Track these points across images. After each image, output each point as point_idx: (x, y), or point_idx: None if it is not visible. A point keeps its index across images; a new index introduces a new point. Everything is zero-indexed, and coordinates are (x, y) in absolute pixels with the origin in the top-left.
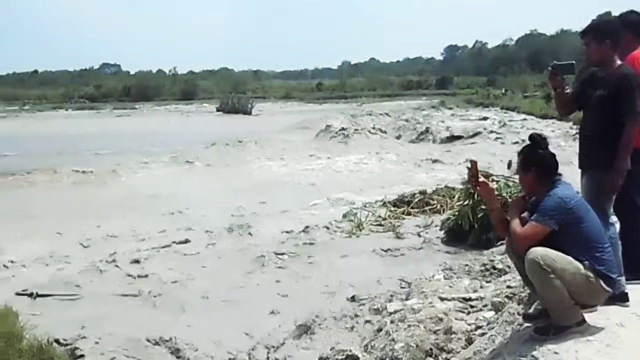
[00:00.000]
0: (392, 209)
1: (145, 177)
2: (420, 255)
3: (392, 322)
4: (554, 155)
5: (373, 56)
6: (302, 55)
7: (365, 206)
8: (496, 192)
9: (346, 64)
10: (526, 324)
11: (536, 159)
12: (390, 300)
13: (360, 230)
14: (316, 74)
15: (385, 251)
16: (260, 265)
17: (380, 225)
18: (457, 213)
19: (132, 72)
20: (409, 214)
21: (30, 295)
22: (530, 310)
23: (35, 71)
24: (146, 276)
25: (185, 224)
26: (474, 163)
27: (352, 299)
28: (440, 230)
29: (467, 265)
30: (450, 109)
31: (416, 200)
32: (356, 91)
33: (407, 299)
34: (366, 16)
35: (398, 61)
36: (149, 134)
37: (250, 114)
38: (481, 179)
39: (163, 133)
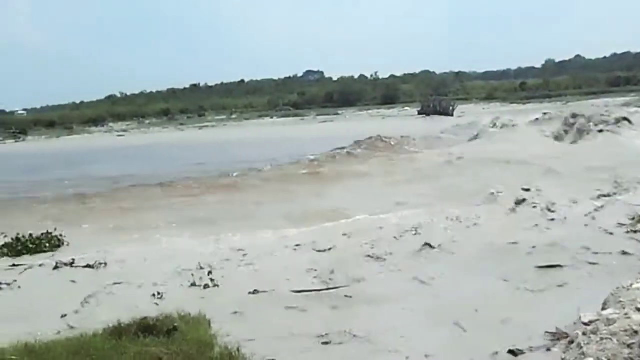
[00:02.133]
0: None
1: None
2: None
3: (584, 334)
4: None
5: (578, 53)
6: (504, 55)
7: None
8: None
9: (550, 62)
10: None
11: None
12: None
13: None
14: (519, 74)
15: None
16: None
17: None
18: None
19: (334, 79)
20: None
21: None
22: None
23: (242, 81)
24: None
25: None
26: None
27: None
28: None
29: None
30: None
31: None
32: (560, 90)
33: (603, 309)
34: (570, 13)
35: (605, 57)
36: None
37: (452, 115)
38: None
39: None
